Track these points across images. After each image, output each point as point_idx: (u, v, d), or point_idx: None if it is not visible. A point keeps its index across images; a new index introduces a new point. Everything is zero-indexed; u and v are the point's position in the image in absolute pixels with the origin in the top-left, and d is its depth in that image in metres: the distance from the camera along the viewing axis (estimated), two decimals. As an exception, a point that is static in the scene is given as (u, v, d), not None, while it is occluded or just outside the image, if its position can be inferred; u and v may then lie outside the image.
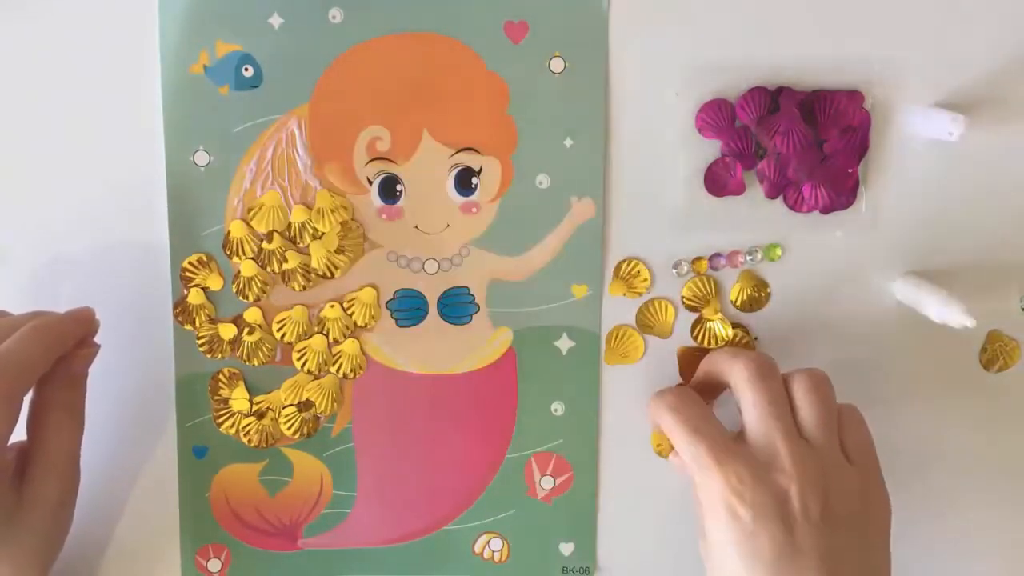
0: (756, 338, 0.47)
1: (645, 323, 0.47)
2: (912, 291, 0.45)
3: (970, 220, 0.47)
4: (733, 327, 0.47)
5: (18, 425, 0.39)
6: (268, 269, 0.45)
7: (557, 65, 0.45)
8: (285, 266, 0.45)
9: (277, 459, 0.47)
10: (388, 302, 0.46)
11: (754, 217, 0.46)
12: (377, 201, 0.45)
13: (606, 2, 0.44)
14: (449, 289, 0.46)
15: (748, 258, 0.46)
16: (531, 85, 0.44)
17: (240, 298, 0.45)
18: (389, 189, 0.45)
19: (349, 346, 0.46)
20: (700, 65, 0.45)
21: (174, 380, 0.46)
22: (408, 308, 0.46)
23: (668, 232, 0.46)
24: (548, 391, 0.47)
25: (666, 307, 0.47)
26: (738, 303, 0.47)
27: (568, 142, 0.45)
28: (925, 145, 0.46)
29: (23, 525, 0.40)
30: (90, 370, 0.43)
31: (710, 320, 0.47)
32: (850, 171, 0.45)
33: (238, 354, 0.46)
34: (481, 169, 0.45)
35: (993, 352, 0.48)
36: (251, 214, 0.45)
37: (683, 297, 0.47)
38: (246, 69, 0.44)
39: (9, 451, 0.40)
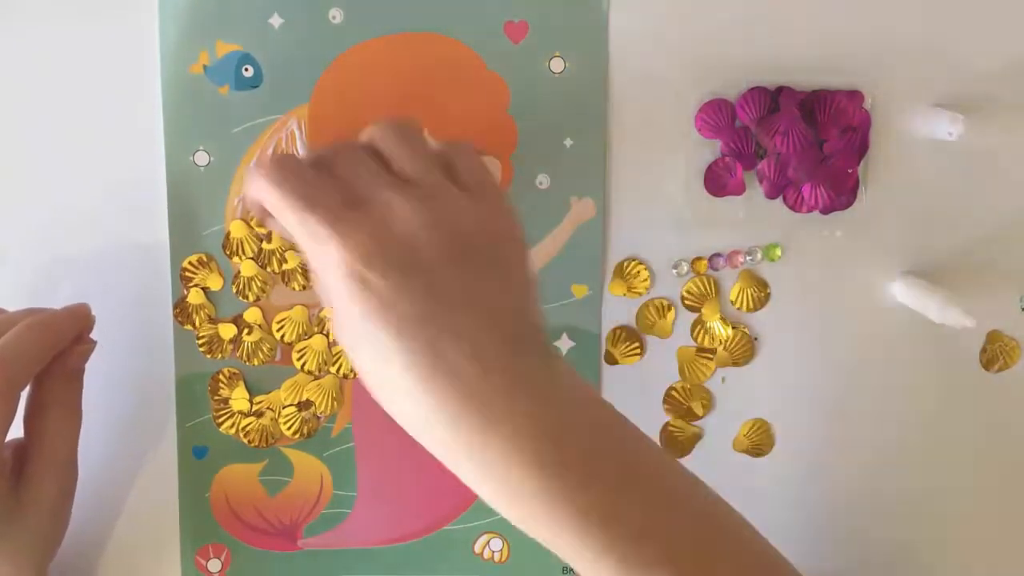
0: (756, 338, 0.47)
1: (645, 323, 0.47)
2: (912, 291, 0.45)
3: (970, 220, 0.47)
4: (733, 327, 0.47)
5: (15, 423, 0.39)
6: (268, 269, 0.45)
7: (557, 65, 0.45)
8: (285, 266, 0.45)
9: (277, 459, 0.47)
10: (388, 302, 0.46)
11: (754, 217, 0.46)
12: (377, 201, 0.45)
13: (606, 2, 0.44)
14: (449, 289, 0.46)
15: (748, 258, 0.46)
16: (531, 85, 0.44)
17: (240, 298, 0.45)
18: (389, 189, 0.45)
19: (349, 346, 0.46)
20: (700, 65, 0.45)
21: (174, 380, 0.46)
22: (408, 308, 0.46)
23: (668, 232, 0.46)
24: (548, 391, 0.47)
25: (666, 307, 0.47)
26: (738, 303, 0.47)
27: (568, 142, 0.45)
28: (925, 145, 0.46)
29: (21, 523, 0.40)
30: (90, 370, 0.43)
31: (710, 320, 0.47)
32: (850, 171, 0.45)
33: (238, 354, 0.46)
34: (481, 169, 0.45)
35: (993, 352, 0.48)
36: (251, 214, 0.45)
37: (683, 297, 0.47)
38: (246, 69, 0.44)
39: (6, 448, 0.40)
